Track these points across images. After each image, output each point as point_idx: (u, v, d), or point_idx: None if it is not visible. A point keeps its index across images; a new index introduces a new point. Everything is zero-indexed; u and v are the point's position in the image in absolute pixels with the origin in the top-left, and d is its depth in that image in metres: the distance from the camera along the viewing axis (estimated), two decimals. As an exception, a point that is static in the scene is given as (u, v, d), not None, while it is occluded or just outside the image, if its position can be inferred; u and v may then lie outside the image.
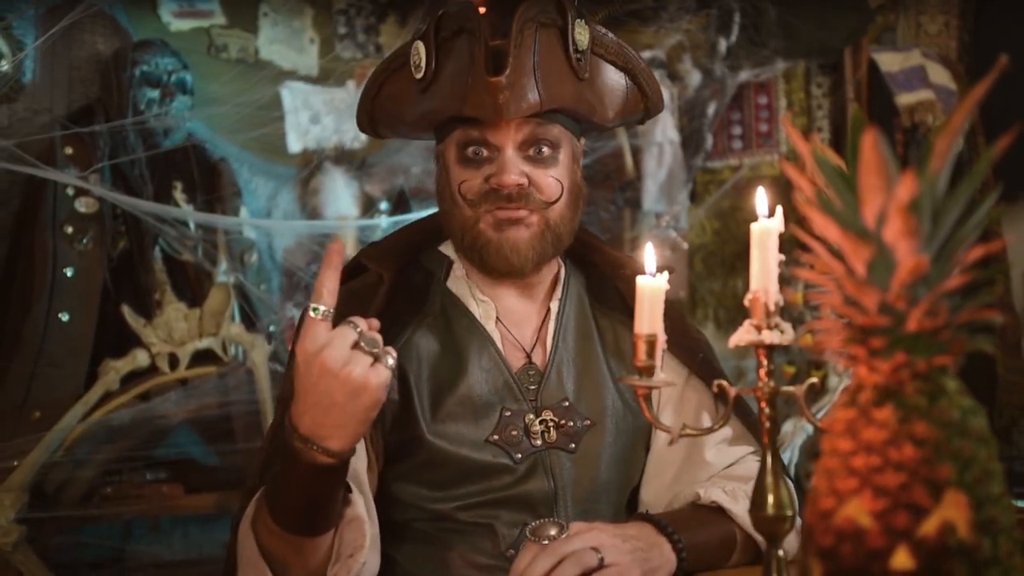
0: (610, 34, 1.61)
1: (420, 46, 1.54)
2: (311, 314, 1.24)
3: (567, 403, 1.58)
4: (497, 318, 1.62)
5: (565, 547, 1.33)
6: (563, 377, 1.60)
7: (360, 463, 1.49)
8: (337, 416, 1.24)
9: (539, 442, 1.55)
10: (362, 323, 1.25)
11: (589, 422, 1.58)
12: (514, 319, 1.63)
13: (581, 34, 1.54)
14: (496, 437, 1.54)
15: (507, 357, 1.59)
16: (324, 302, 1.25)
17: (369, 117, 1.66)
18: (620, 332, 1.66)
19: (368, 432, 1.52)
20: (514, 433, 1.54)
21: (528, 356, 1.61)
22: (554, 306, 1.65)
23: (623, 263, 1.69)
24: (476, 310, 1.61)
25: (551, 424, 1.56)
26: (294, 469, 1.28)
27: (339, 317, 1.57)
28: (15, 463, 2.95)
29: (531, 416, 1.56)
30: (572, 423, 1.57)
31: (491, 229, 1.54)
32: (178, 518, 3.42)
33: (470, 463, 1.53)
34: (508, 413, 1.55)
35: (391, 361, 1.26)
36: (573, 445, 1.56)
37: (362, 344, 1.24)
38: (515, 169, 1.52)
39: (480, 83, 1.46)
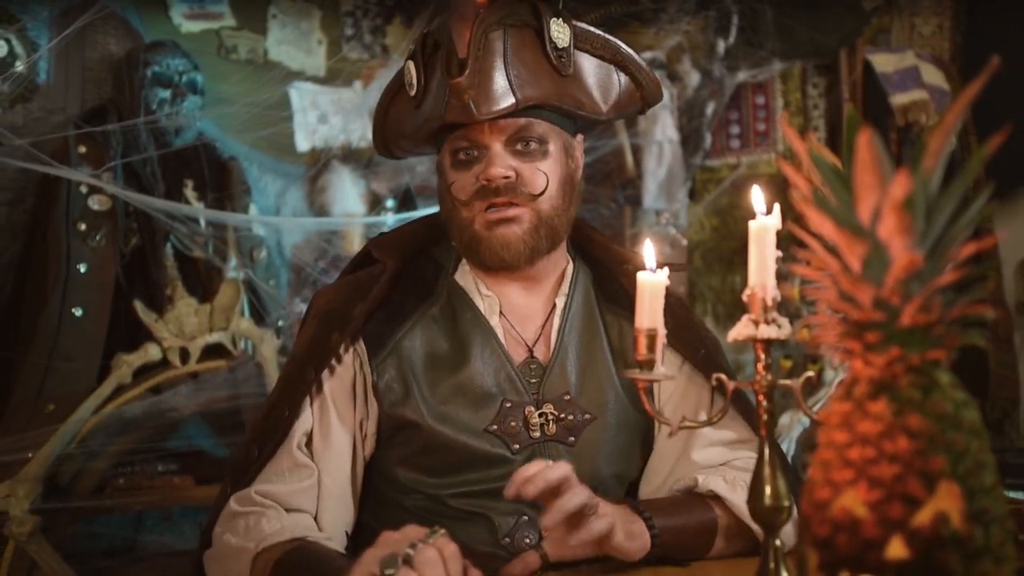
0: (594, 30, 1.63)
1: (411, 65, 1.60)
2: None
3: (568, 397, 1.60)
4: (501, 312, 1.64)
5: (570, 470, 1.34)
6: (566, 371, 1.62)
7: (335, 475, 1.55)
8: None
9: (538, 434, 1.57)
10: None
11: (589, 416, 1.59)
12: (518, 314, 1.65)
13: (559, 33, 1.57)
14: (495, 427, 1.56)
15: (509, 350, 1.62)
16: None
17: (383, 140, 1.73)
18: (625, 328, 1.67)
19: (358, 421, 1.58)
20: (513, 424, 1.56)
21: (530, 350, 1.63)
22: (560, 301, 1.67)
23: (627, 259, 1.70)
24: (480, 304, 1.64)
25: (551, 417, 1.58)
26: None
27: (341, 305, 1.61)
28: (29, 455, 2.96)
29: (531, 408, 1.58)
30: (572, 416, 1.58)
31: (483, 229, 1.58)
32: (189, 509, 3.42)
33: (468, 451, 1.55)
34: (508, 405, 1.57)
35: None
36: (572, 438, 1.58)
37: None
38: (502, 163, 1.56)
39: (449, 87, 1.51)
